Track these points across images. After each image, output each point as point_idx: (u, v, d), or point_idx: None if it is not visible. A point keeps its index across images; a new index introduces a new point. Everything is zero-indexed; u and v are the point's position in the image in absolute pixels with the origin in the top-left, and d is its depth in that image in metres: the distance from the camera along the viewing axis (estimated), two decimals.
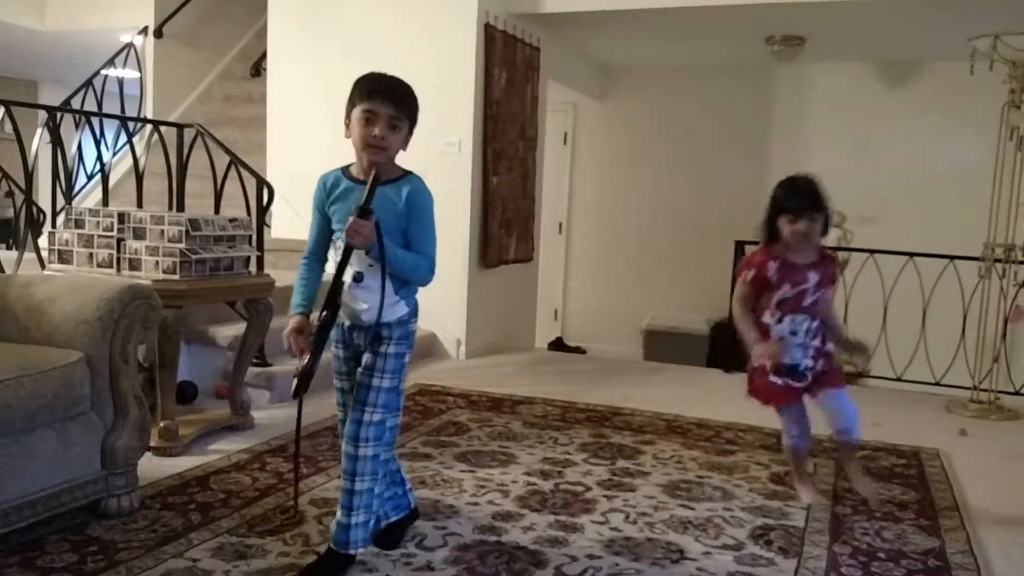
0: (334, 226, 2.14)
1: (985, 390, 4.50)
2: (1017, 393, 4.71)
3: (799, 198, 2.69)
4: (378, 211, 1.99)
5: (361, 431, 2.13)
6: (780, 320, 2.74)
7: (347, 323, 2.17)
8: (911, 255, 4.98)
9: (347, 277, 2.07)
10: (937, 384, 4.82)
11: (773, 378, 2.78)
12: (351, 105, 2.07)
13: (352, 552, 2.16)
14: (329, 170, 2.19)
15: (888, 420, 4.13)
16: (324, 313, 2.04)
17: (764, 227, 2.76)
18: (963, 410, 4.43)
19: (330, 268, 2.16)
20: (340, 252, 2.05)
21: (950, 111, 6.51)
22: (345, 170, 2.16)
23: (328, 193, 2.14)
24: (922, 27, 5.40)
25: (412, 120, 2.10)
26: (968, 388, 4.58)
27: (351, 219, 1.95)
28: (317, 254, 2.21)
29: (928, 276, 4.93)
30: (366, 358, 2.16)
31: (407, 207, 2.08)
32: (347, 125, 2.10)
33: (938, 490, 3.09)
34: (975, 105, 5.74)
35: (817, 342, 2.77)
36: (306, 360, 2.02)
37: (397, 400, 2.19)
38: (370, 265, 2.06)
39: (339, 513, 2.17)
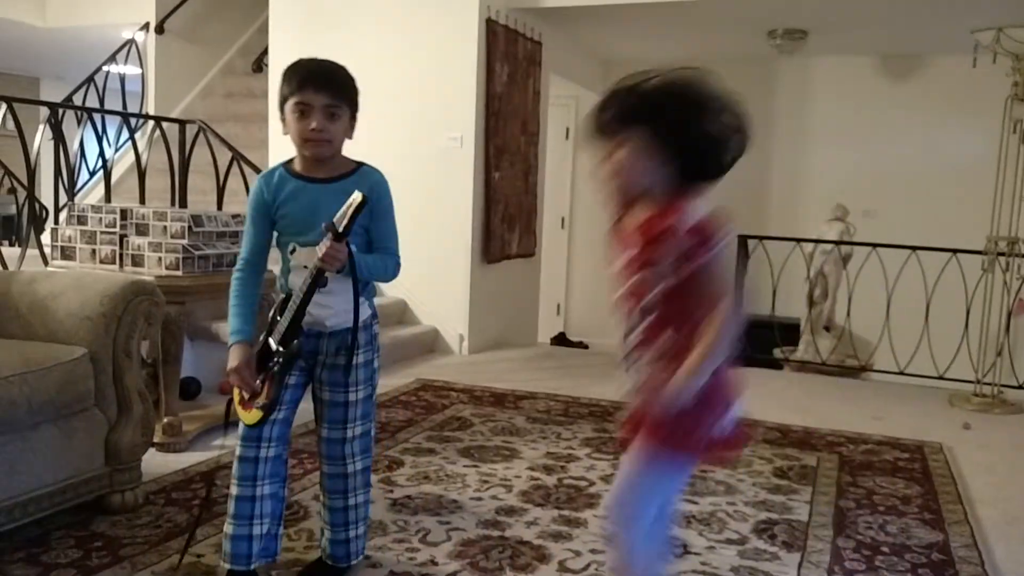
0: (281, 229, 1.95)
1: (988, 384, 4.50)
2: (1020, 387, 4.71)
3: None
4: (333, 208, 1.79)
5: (346, 448, 2.03)
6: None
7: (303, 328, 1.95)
8: (914, 249, 4.97)
9: (298, 282, 1.89)
10: (940, 378, 4.82)
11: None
12: (282, 98, 1.89)
13: (354, 563, 2.13)
14: (265, 171, 2.00)
15: (891, 414, 4.14)
16: (295, 343, 1.89)
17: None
18: (966, 404, 4.43)
19: (269, 273, 2.04)
20: (292, 260, 1.91)
21: (953, 104, 6.50)
22: (287, 166, 1.97)
23: (275, 194, 1.93)
24: (925, 20, 5.38)
25: (352, 105, 1.92)
26: (971, 382, 4.58)
27: (326, 243, 1.76)
28: (255, 264, 1.99)
29: (931, 270, 4.93)
30: (329, 375, 1.99)
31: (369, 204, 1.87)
32: (282, 120, 1.92)
33: (942, 484, 3.09)
34: (978, 98, 5.72)
35: None
36: (261, 398, 1.89)
37: (373, 406, 2.10)
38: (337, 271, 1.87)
39: (330, 532, 2.09)
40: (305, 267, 1.87)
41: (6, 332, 2.50)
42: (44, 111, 4.17)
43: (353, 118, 1.94)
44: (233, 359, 1.92)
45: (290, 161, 1.98)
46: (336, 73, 1.91)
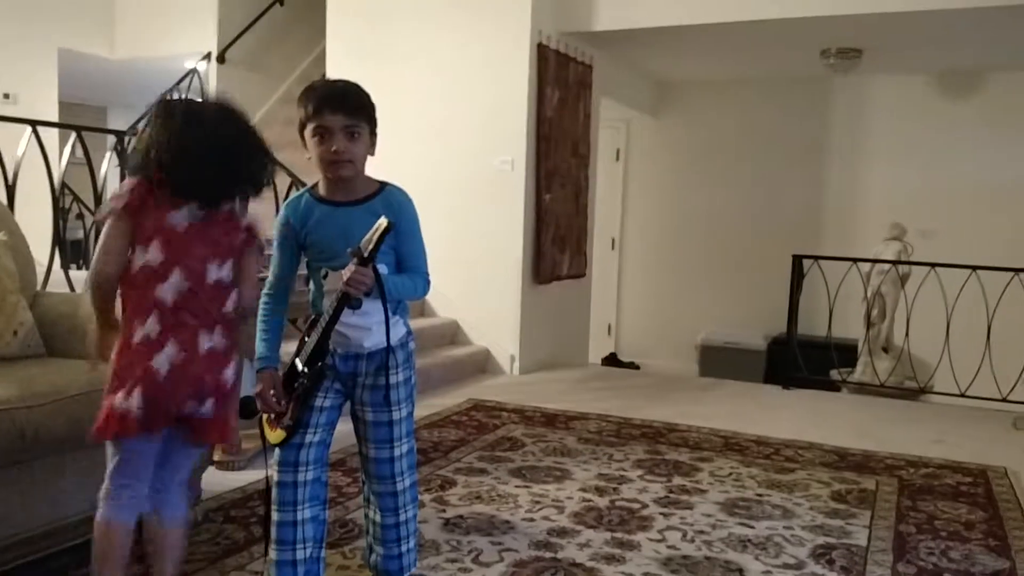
0: (312, 255, 1.95)
1: None
2: None
3: None
4: (363, 230, 1.78)
5: (395, 467, 2.04)
6: None
7: (339, 351, 1.97)
8: (974, 268, 4.85)
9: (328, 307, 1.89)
10: (1004, 400, 4.68)
11: None
12: (301, 123, 1.88)
13: None
14: (290, 198, 1.99)
15: (952, 437, 4.03)
16: (319, 365, 1.91)
17: None
18: None
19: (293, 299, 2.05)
20: (326, 285, 1.90)
21: (1012, 121, 6.36)
22: (312, 192, 1.96)
23: (303, 221, 1.92)
24: (983, 37, 5.28)
25: (371, 122, 1.90)
26: None
27: (352, 268, 1.76)
28: (281, 292, 2.01)
29: (992, 289, 4.80)
30: (371, 395, 2.00)
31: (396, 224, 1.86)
32: (304, 146, 1.90)
33: (1007, 509, 3.00)
34: None
35: None
36: (286, 418, 1.94)
37: (413, 422, 2.11)
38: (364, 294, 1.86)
39: (383, 548, 2.09)
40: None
41: (74, 353, 2.57)
42: (111, 139, 4.33)
43: (373, 135, 1.92)
44: (260, 383, 1.96)
45: (314, 186, 1.97)
46: (350, 92, 1.88)
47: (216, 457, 3.02)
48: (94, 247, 1.83)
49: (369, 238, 1.75)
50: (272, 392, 1.95)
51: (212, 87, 6.82)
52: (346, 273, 1.77)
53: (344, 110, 1.84)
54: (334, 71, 5.71)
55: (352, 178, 1.90)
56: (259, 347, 1.98)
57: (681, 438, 3.84)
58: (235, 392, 1.90)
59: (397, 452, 2.04)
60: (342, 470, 3.16)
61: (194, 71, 6.69)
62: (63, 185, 4.24)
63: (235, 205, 1.87)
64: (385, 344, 1.92)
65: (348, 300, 1.82)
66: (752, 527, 2.73)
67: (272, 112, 7.38)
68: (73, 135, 4.08)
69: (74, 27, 6.96)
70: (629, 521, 2.74)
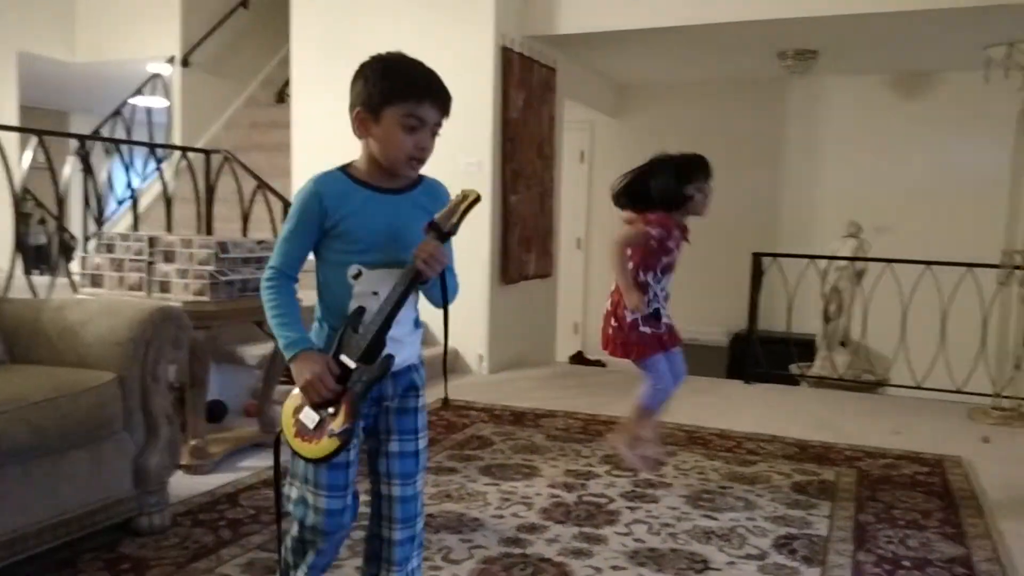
0: (338, 246, 1.64)
1: (1008, 397, 4.48)
2: None
3: (705, 167, 3.00)
4: (411, 222, 1.62)
5: (418, 504, 1.75)
6: (659, 280, 3.01)
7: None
8: (928, 264, 4.97)
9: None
10: (958, 392, 4.80)
11: (643, 328, 2.99)
12: (383, 101, 1.60)
13: None
14: (320, 174, 1.67)
15: (909, 428, 4.13)
16: (384, 357, 1.59)
17: (670, 196, 2.97)
18: (986, 417, 4.41)
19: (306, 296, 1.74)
20: (357, 286, 1.63)
21: (965, 120, 6.51)
22: (346, 172, 1.67)
23: (337, 203, 1.62)
24: (935, 38, 5.42)
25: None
26: (990, 395, 4.56)
27: (430, 243, 1.57)
28: (290, 277, 1.68)
29: (946, 284, 4.93)
30: (398, 421, 1.73)
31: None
32: (361, 120, 1.64)
33: (962, 497, 3.09)
34: (990, 114, 5.74)
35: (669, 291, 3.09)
36: (343, 421, 1.57)
37: None
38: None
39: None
40: (375, 293, 1.61)
41: (37, 358, 2.56)
42: (73, 143, 4.29)
43: None
44: (307, 368, 1.58)
45: (348, 165, 1.69)
46: (448, 90, 1.68)
47: (183, 461, 3.01)
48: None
49: (451, 210, 1.58)
50: (328, 377, 1.57)
51: (176, 91, 6.77)
52: (424, 249, 1.57)
53: (444, 108, 1.66)
54: (300, 73, 5.71)
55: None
56: (285, 332, 1.62)
57: None
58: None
59: (420, 485, 1.75)
60: None
61: (158, 75, 6.63)
62: (24, 190, 4.19)
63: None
64: (414, 360, 1.70)
65: (420, 281, 1.60)
66: (716, 519, 2.79)
67: (237, 116, 7.34)
68: (34, 140, 4.03)
69: (34, 30, 6.86)
70: (596, 516, 2.79)
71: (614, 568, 2.38)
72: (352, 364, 1.59)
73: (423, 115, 1.61)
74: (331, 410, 1.57)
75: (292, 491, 1.73)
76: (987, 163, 6.21)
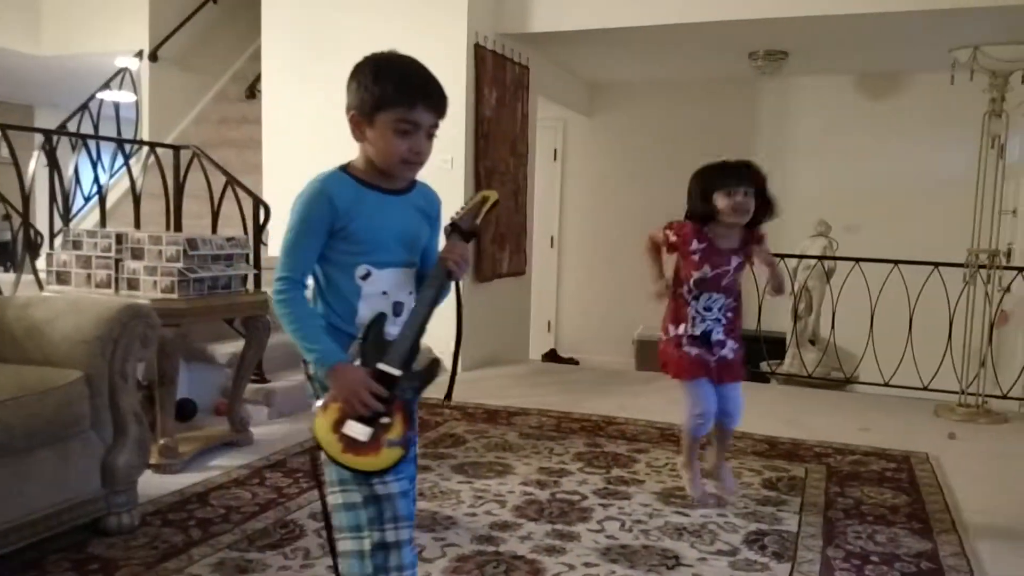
0: (344, 248, 1.62)
1: (973, 394, 4.56)
2: (1004, 396, 4.77)
3: (735, 173, 2.79)
4: (410, 225, 1.65)
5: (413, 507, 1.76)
6: (697, 297, 2.82)
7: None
8: (896, 263, 5.05)
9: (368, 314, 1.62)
10: (925, 389, 4.88)
11: (688, 348, 2.83)
12: (375, 102, 1.58)
13: None
14: (324, 174, 1.64)
15: (877, 425, 4.19)
16: (433, 362, 1.63)
17: (696, 208, 2.84)
18: (951, 414, 4.49)
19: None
20: (366, 287, 1.62)
21: (932, 121, 6.61)
22: (349, 173, 1.65)
23: (348, 204, 1.60)
24: (903, 40, 5.49)
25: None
26: (956, 392, 4.64)
27: (456, 244, 1.61)
28: (302, 283, 1.63)
29: (913, 283, 5.00)
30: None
31: (431, 218, 1.74)
32: (357, 124, 1.62)
33: (929, 493, 3.13)
34: (956, 115, 5.82)
35: (730, 316, 2.85)
36: (401, 430, 1.54)
37: None
38: (410, 292, 1.67)
39: None
40: (384, 293, 1.63)
41: (1, 357, 2.52)
42: (39, 138, 4.22)
43: None
44: (348, 381, 1.53)
45: (347, 166, 1.67)
46: (443, 91, 1.64)
47: (153, 460, 2.98)
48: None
49: (473, 211, 1.63)
50: (375, 386, 1.53)
51: (144, 85, 6.68)
52: (451, 250, 1.62)
53: (439, 110, 1.63)
54: (270, 68, 5.66)
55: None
56: (314, 344, 1.58)
57: (619, 431, 3.92)
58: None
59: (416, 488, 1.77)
60: (282, 471, 3.15)
61: (125, 69, 6.54)
62: None
63: None
64: (426, 361, 1.66)
65: (450, 280, 1.63)
66: (687, 515, 2.80)
67: (206, 111, 7.26)
68: None
69: None
70: (569, 513, 2.79)
71: (587, 565, 2.38)
72: (395, 371, 1.56)
73: (416, 119, 1.59)
74: (385, 420, 1.53)
75: (344, 517, 1.61)
76: (953, 163, 6.31)
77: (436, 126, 1.64)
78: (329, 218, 1.59)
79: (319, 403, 1.55)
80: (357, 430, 1.51)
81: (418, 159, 1.63)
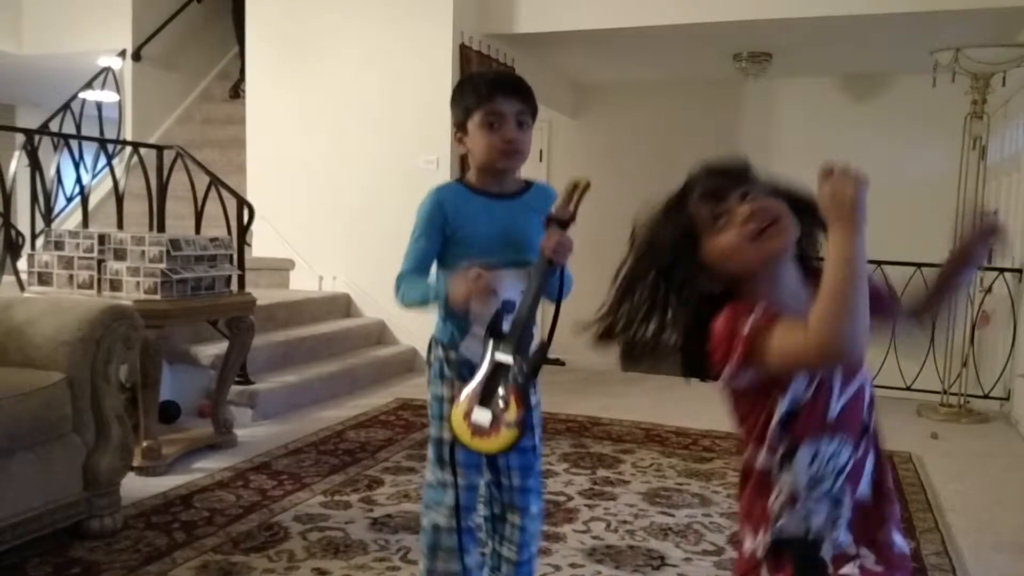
0: (456, 250, 1.76)
1: (955, 394, 4.60)
2: (986, 396, 4.81)
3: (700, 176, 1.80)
4: (525, 226, 1.74)
5: (540, 498, 1.94)
6: (791, 455, 1.15)
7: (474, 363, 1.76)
8: (879, 263, 5.06)
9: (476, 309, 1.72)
10: (908, 389, 4.91)
11: None
12: (464, 113, 1.73)
13: None
14: (440, 185, 1.82)
15: None
16: (543, 343, 1.79)
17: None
18: (934, 414, 4.52)
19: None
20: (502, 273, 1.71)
21: (914, 122, 6.66)
22: (462, 183, 1.82)
23: (456, 211, 1.76)
24: (885, 42, 5.53)
25: (535, 115, 1.77)
26: (938, 392, 4.67)
27: (553, 232, 1.67)
28: (420, 273, 1.80)
29: (897, 283, 5.01)
30: None
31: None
32: (460, 139, 1.77)
33: (911, 493, 3.16)
34: (938, 116, 5.88)
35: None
36: (516, 412, 1.67)
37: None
38: (522, 290, 1.76)
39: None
40: (493, 292, 1.71)
41: None
42: (20, 138, 4.18)
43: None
44: (459, 276, 1.66)
45: (461, 178, 1.85)
46: (520, 78, 1.76)
47: (136, 462, 2.96)
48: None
49: (566, 199, 1.68)
50: (477, 269, 1.64)
51: (127, 85, 6.64)
52: (547, 240, 1.67)
53: (517, 95, 1.72)
54: (254, 68, 5.63)
55: (515, 170, 1.79)
56: (428, 287, 1.76)
57: (605, 431, 3.92)
58: None
59: (540, 480, 1.92)
60: (266, 473, 3.14)
61: (108, 69, 6.49)
62: None
63: None
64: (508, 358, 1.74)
65: (552, 267, 1.70)
66: (673, 515, 2.81)
67: (190, 111, 7.21)
68: None
69: None
70: (555, 514, 2.80)
71: (572, 565, 2.39)
72: (508, 359, 1.69)
73: (498, 109, 1.69)
74: (502, 404, 1.66)
75: (427, 492, 1.87)
76: (936, 164, 6.35)
77: (525, 113, 1.72)
78: (439, 222, 1.76)
79: (461, 399, 1.70)
80: (481, 417, 1.67)
81: (511, 147, 1.71)
